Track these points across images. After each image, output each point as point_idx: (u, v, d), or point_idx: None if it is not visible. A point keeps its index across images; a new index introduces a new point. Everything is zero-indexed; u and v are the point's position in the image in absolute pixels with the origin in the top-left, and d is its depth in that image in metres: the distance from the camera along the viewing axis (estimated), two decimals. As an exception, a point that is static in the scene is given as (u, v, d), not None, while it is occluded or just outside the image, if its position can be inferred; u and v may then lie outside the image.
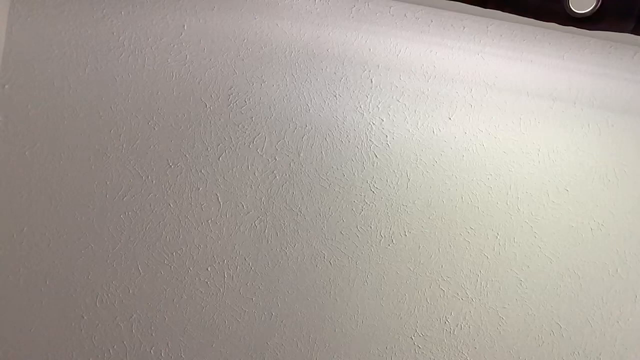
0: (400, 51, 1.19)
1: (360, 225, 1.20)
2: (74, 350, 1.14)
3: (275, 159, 1.17)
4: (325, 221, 1.19)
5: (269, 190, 1.17)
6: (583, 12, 0.97)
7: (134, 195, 1.14)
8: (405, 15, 1.18)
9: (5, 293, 1.12)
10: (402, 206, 1.20)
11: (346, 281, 1.20)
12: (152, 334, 1.15)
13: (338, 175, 1.19)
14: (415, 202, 1.20)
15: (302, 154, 1.18)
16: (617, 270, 1.25)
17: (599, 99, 1.23)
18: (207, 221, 1.16)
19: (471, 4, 1.01)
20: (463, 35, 1.19)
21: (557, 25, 1.02)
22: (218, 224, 1.16)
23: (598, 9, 0.96)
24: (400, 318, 1.22)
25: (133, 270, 1.15)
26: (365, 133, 1.19)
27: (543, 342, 1.25)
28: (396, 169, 1.20)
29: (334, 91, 1.18)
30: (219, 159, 1.16)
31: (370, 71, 1.18)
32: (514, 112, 1.22)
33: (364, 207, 1.20)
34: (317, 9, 1.16)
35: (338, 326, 1.20)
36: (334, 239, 1.19)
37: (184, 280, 1.16)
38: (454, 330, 1.23)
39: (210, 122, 1.15)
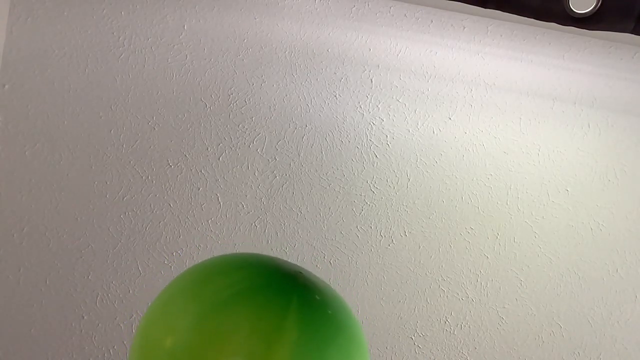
0: (400, 51, 1.19)
1: (360, 225, 1.20)
2: (74, 350, 1.14)
3: (275, 159, 1.17)
4: (325, 221, 1.19)
5: (269, 190, 1.17)
6: (583, 12, 0.97)
7: (134, 195, 1.14)
8: (405, 15, 1.18)
9: (5, 293, 1.12)
10: (402, 206, 1.20)
11: (346, 281, 1.20)
12: (152, 334, 1.15)
13: (338, 175, 1.19)
14: (415, 202, 1.20)
15: (302, 154, 1.18)
16: (617, 270, 1.25)
17: (599, 99, 1.23)
18: (207, 221, 1.16)
19: (471, 4, 1.00)
20: (463, 35, 1.19)
21: (557, 25, 1.02)
22: (218, 224, 1.16)
23: (598, 9, 0.96)
24: (400, 318, 1.22)
25: (133, 270, 1.15)
26: (365, 133, 1.19)
27: (543, 342, 1.25)
28: (396, 169, 1.20)
29: (334, 91, 1.18)
30: (219, 159, 1.16)
31: (370, 71, 1.18)
32: (514, 112, 1.22)
33: (364, 207, 1.20)
34: (317, 9, 1.16)
35: (338, 326, 1.20)
36: (334, 239, 1.19)
37: (184, 280, 1.15)
38: (454, 330, 1.23)
39: (210, 122, 1.15)
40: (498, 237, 1.23)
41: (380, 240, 1.20)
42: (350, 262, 1.20)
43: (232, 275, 0.49)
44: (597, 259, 1.25)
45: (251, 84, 1.15)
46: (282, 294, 0.47)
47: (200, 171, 1.15)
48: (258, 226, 1.17)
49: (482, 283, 1.23)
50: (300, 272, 0.51)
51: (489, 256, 1.23)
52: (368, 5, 1.17)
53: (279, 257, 1.18)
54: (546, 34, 1.21)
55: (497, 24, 1.20)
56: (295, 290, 0.48)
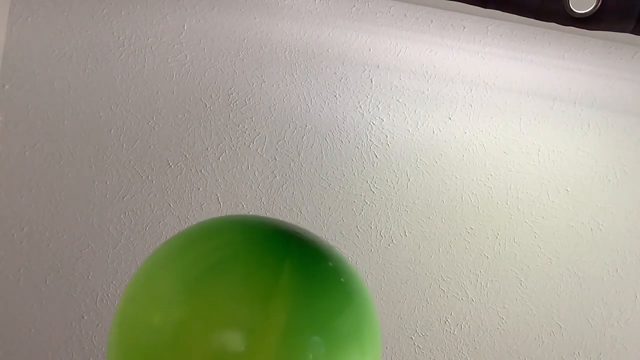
0: (400, 51, 1.19)
1: (360, 225, 1.20)
2: (74, 350, 1.14)
3: (275, 159, 1.17)
4: (325, 221, 1.19)
5: (269, 190, 1.17)
6: (583, 12, 0.97)
7: (134, 195, 1.14)
8: (405, 15, 1.18)
9: (5, 293, 1.12)
10: (402, 206, 1.20)
11: (346, 281, 1.20)
12: (152, 334, 1.14)
13: (338, 175, 1.19)
14: (415, 202, 1.20)
15: (302, 154, 1.18)
16: (617, 270, 1.25)
17: (599, 99, 1.23)
18: (207, 221, 1.16)
19: (471, 4, 1.00)
20: (463, 35, 1.19)
21: (557, 25, 1.02)
22: (218, 224, 1.16)
23: (598, 9, 0.96)
24: (400, 318, 1.22)
25: (133, 270, 1.14)
26: (365, 133, 1.19)
27: (543, 342, 1.25)
28: (396, 169, 1.20)
29: (334, 91, 1.18)
30: (219, 159, 1.16)
31: (370, 71, 1.18)
32: (514, 112, 1.22)
33: (364, 207, 1.20)
34: (317, 9, 1.16)
35: (338, 326, 1.20)
36: (334, 239, 1.19)
37: (184, 280, 1.15)
38: (454, 330, 1.23)
39: (210, 122, 1.15)
40: (498, 237, 1.23)
41: (380, 240, 1.20)
42: (350, 262, 1.20)
43: (219, 237, 0.45)
44: (597, 259, 1.25)
45: (251, 84, 1.15)
46: (275, 255, 0.43)
47: (200, 171, 1.15)
48: (258, 226, 1.17)
49: (482, 283, 1.23)
50: (298, 233, 0.47)
51: (489, 256, 1.23)
52: (368, 5, 1.17)
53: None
54: (546, 34, 1.21)
55: (497, 24, 1.20)
56: (289, 252, 0.44)
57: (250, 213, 1.17)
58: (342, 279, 0.46)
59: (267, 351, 0.39)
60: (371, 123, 1.19)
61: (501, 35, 1.20)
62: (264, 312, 0.40)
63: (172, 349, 0.39)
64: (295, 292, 0.41)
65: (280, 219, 1.17)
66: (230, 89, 1.15)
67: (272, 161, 1.17)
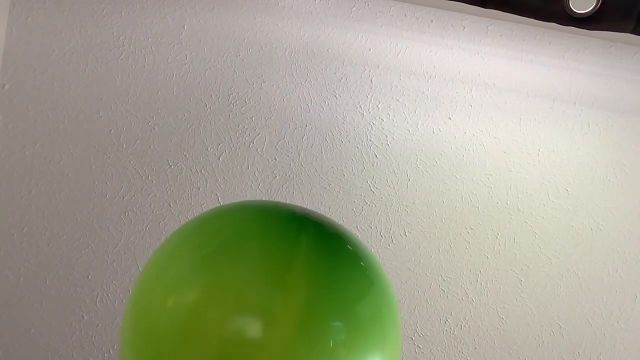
0: (400, 51, 1.18)
1: (360, 225, 1.20)
2: (74, 350, 1.14)
3: (275, 159, 1.17)
4: (325, 221, 1.19)
5: (269, 190, 1.17)
6: (583, 12, 0.97)
7: (134, 195, 1.14)
8: (405, 15, 1.18)
9: (5, 293, 1.12)
10: (402, 206, 1.20)
11: (346, 281, 1.20)
12: (152, 334, 1.14)
13: (338, 175, 1.18)
14: (415, 202, 1.20)
15: (302, 154, 1.17)
16: (617, 270, 1.25)
17: (599, 99, 1.23)
18: (207, 221, 1.16)
19: (471, 4, 1.00)
20: (463, 35, 1.19)
21: (557, 25, 1.02)
22: (218, 224, 1.16)
23: (598, 9, 0.96)
24: (401, 318, 1.22)
25: (133, 270, 1.15)
26: (365, 133, 1.19)
27: (543, 342, 1.25)
28: (396, 169, 1.20)
29: (334, 91, 1.18)
30: (219, 159, 1.16)
31: (370, 71, 1.18)
32: (514, 112, 1.22)
33: (364, 207, 1.20)
34: (317, 9, 1.16)
35: (338, 326, 1.20)
36: (334, 239, 1.19)
37: (184, 280, 1.15)
38: (454, 330, 1.23)
39: (210, 122, 1.15)
40: (498, 237, 1.23)
41: (380, 240, 1.20)
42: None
43: (232, 216, 0.43)
44: (597, 259, 1.25)
45: (251, 84, 1.15)
46: (291, 233, 0.40)
47: (200, 171, 1.15)
48: (258, 226, 1.17)
49: (482, 283, 1.23)
50: (316, 217, 0.45)
51: (489, 256, 1.23)
52: (368, 5, 1.17)
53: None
54: (546, 34, 1.21)
55: (497, 24, 1.20)
56: (306, 232, 0.41)
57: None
58: (362, 262, 0.43)
59: (283, 336, 0.36)
60: (371, 123, 1.19)
61: (501, 35, 1.20)
62: (281, 292, 0.37)
63: (186, 332, 0.37)
64: (313, 272, 0.39)
65: (280, 219, 1.17)
66: (230, 89, 1.15)
67: (272, 161, 1.17)
